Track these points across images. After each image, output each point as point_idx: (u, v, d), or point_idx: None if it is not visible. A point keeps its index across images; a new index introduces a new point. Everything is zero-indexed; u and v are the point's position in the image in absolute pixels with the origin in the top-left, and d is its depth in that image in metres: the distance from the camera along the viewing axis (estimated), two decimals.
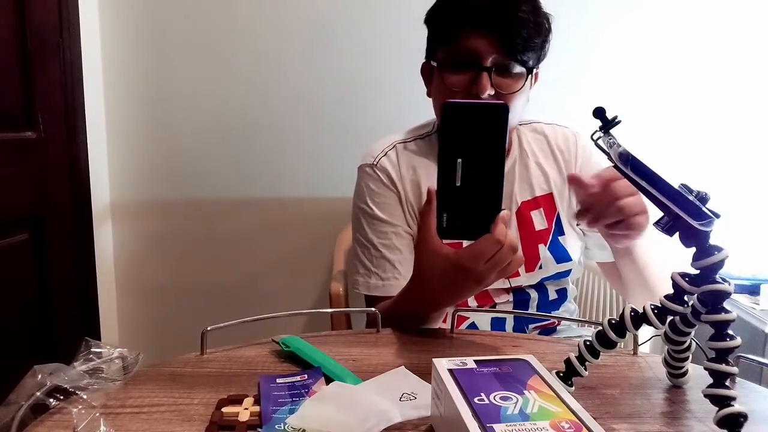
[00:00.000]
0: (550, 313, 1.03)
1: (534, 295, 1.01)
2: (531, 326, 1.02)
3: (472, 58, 0.89)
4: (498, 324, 1.01)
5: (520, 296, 1.01)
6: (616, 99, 1.55)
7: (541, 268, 0.99)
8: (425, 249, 0.74)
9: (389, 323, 0.84)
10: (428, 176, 1.01)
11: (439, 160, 0.66)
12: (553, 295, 1.03)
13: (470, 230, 0.68)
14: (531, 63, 0.92)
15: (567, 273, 1.02)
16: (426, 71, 1.02)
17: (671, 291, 0.57)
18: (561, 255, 1.00)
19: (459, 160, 0.65)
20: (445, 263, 0.71)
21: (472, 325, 1.00)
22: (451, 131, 0.66)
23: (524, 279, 1.00)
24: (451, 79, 0.92)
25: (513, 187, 1.01)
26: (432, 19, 0.97)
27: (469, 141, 0.65)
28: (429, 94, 1.01)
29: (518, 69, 0.91)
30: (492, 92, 0.89)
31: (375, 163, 1.03)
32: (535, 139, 1.05)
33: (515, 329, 1.01)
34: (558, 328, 1.06)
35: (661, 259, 0.90)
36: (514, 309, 1.01)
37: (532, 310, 1.01)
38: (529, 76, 0.93)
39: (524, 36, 0.88)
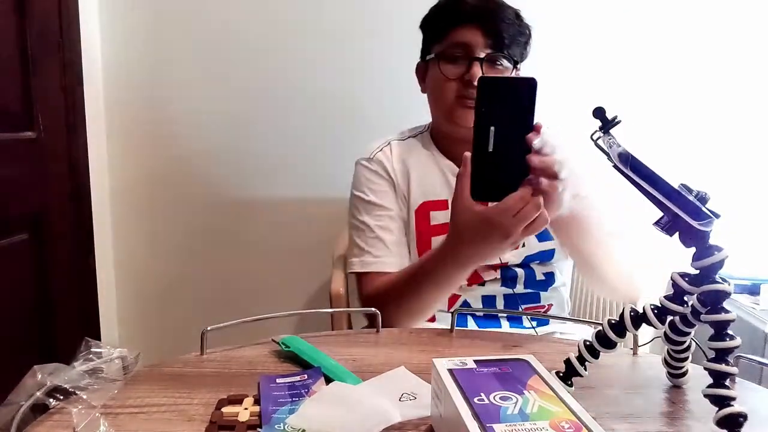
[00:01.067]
0: (538, 292, 1.07)
1: (521, 273, 1.05)
2: (522, 307, 1.06)
3: (466, 49, 1.00)
4: (488, 300, 1.06)
5: (507, 274, 1.05)
6: (615, 99, 1.55)
7: (524, 245, 1.04)
8: (459, 208, 0.81)
9: (391, 298, 0.92)
10: (418, 167, 1.09)
11: (474, 129, 0.73)
12: (540, 276, 1.07)
13: (501, 192, 0.75)
14: (516, 58, 1.02)
15: (551, 254, 1.06)
16: (420, 70, 1.12)
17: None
18: (542, 234, 1.01)
19: (492, 128, 0.72)
20: (476, 218, 0.79)
21: (465, 303, 1.06)
22: (485, 102, 0.72)
23: (509, 257, 1.04)
24: (447, 68, 1.01)
25: None
26: (428, 22, 1.08)
27: (501, 111, 0.72)
28: (423, 91, 1.11)
29: (505, 63, 1.01)
30: None
31: (371, 157, 1.11)
32: None
33: (506, 305, 1.06)
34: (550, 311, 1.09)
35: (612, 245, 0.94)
36: (502, 286, 1.05)
37: (520, 286, 1.06)
38: (514, 70, 1.03)
39: (510, 33, 1.00)
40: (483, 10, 1.00)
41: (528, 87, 0.71)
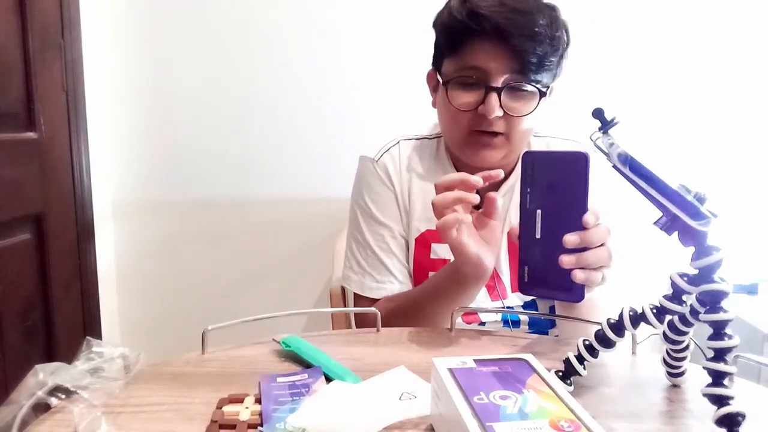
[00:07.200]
0: (546, 330, 1.00)
1: (524, 318, 0.98)
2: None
3: (480, 76, 0.85)
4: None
5: (509, 318, 0.98)
6: (614, 99, 1.56)
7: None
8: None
9: (391, 318, 0.85)
10: (425, 184, 0.99)
11: (520, 212, 0.67)
12: (544, 310, 1.00)
13: (551, 285, 0.67)
14: (545, 82, 0.87)
15: None
16: (432, 80, 0.97)
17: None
18: None
19: (539, 212, 0.65)
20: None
21: None
22: (530, 181, 0.66)
23: (512, 299, 0.98)
24: (458, 96, 0.87)
25: (510, 206, 0.97)
26: (440, 24, 0.90)
27: (549, 191, 0.64)
28: (434, 105, 0.97)
29: (531, 88, 0.86)
30: (500, 113, 0.85)
31: (376, 159, 1.01)
32: None
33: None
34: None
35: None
36: (504, 327, 0.98)
37: (524, 327, 0.98)
38: (542, 98, 0.87)
39: (539, 54, 0.83)
40: (505, 22, 0.80)
41: (579, 162, 0.61)
